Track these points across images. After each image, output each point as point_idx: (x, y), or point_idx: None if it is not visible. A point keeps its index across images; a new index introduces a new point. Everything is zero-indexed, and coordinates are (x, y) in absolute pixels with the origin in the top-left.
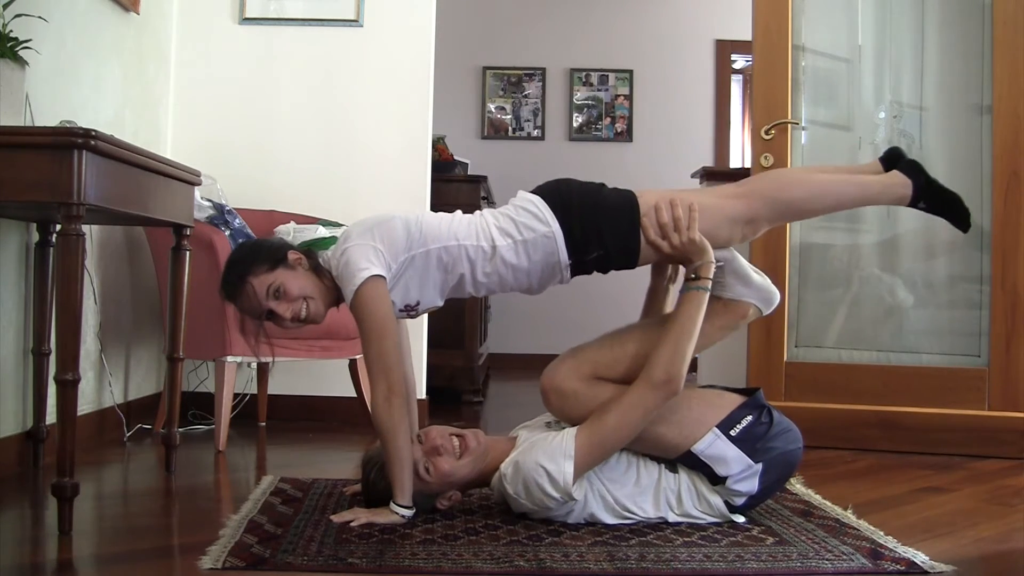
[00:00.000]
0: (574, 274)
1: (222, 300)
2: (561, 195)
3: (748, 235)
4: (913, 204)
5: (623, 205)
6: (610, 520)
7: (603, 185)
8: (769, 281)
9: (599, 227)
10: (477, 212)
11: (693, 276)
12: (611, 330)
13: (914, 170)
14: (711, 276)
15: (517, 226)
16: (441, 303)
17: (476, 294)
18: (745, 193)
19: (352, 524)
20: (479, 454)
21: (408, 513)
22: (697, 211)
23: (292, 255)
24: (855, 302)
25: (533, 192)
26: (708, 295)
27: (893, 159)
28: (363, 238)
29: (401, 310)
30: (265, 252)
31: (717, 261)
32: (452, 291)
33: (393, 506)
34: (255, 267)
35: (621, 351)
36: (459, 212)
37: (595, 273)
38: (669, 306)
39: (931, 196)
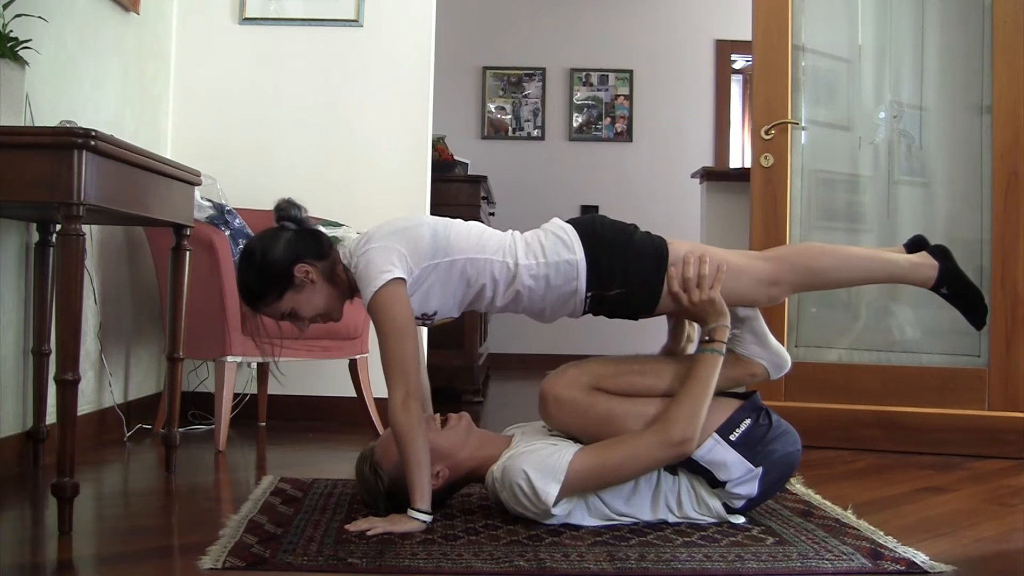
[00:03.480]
0: (588, 311)
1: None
2: (593, 228)
3: (773, 297)
4: (936, 288)
5: (653, 250)
6: (598, 524)
7: (636, 227)
8: (784, 349)
9: (626, 265)
10: (508, 231)
11: (708, 339)
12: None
13: (942, 255)
14: (726, 340)
15: (543, 249)
16: (457, 315)
17: (489, 311)
18: (774, 257)
19: (369, 534)
20: (462, 429)
21: (427, 519)
22: (724, 272)
23: (299, 273)
24: (855, 302)
25: (567, 221)
26: (722, 358)
27: (918, 244)
28: (387, 240)
29: (417, 318)
30: (271, 278)
31: (739, 317)
32: (470, 304)
33: (411, 512)
34: (263, 300)
35: (626, 367)
36: (488, 227)
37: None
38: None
39: (954, 282)
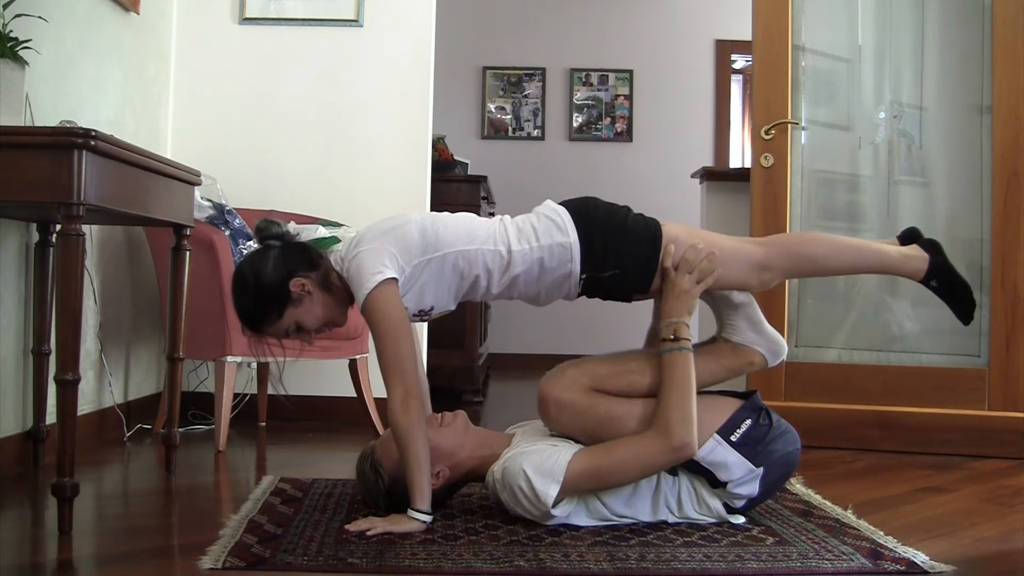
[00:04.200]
0: (582, 293)
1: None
2: (587, 209)
3: (765, 281)
4: (925, 281)
5: (647, 231)
6: (598, 524)
7: (629, 209)
8: (780, 336)
9: (620, 246)
10: (497, 217)
11: (672, 337)
12: (612, 352)
13: (933, 248)
14: (689, 337)
15: (536, 232)
16: (454, 307)
17: (486, 299)
18: (766, 242)
19: (369, 534)
20: (460, 428)
21: (427, 519)
22: (716, 277)
23: (295, 288)
24: (855, 302)
25: (560, 203)
26: (692, 354)
27: (911, 236)
28: (377, 242)
29: (414, 315)
30: (268, 298)
31: (734, 303)
32: (466, 295)
33: (411, 512)
34: (264, 322)
35: (625, 367)
36: (476, 216)
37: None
38: None
39: (944, 276)
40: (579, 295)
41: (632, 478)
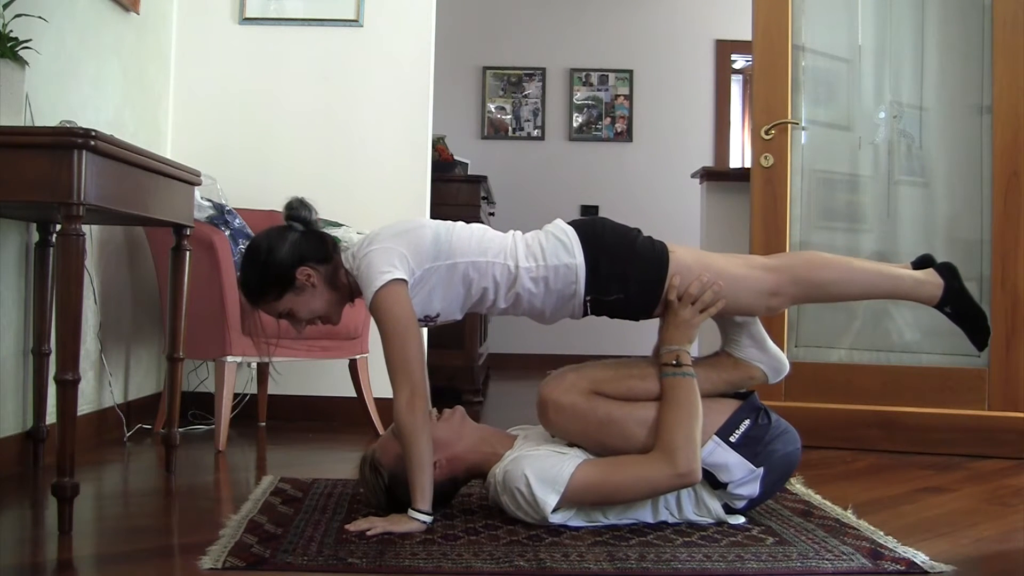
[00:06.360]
0: (589, 313)
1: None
2: (595, 231)
3: (772, 307)
4: (939, 307)
5: (654, 258)
6: (594, 526)
7: (639, 232)
8: (783, 354)
9: (625, 271)
10: (510, 232)
11: (675, 363)
12: (612, 358)
13: (949, 273)
14: (691, 363)
15: (543, 251)
16: (460, 317)
17: (491, 313)
18: (776, 267)
19: (368, 534)
20: (457, 421)
21: (427, 519)
22: (721, 305)
23: (301, 275)
24: (856, 309)
25: (568, 223)
26: (695, 380)
27: (925, 262)
28: (389, 241)
29: (420, 319)
30: (272, 278)
31: (737, 321)
32: (473, 307)
33: (412, 512)
34: (262, 298)
35: (625, 371)
36: (490, 228)
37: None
38: None
39: (959, 302)
40: (585, 315)
41: (633, 499)
